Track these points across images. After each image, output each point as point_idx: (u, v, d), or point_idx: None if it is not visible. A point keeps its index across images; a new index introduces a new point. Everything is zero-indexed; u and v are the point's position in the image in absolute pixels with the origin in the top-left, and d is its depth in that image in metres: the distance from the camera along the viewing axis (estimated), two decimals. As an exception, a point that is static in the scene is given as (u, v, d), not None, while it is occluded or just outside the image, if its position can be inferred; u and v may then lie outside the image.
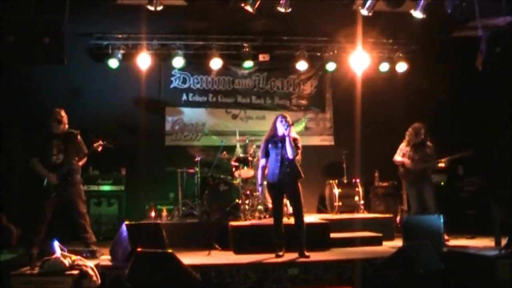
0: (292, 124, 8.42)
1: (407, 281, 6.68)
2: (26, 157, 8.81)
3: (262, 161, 8.57)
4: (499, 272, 6.90)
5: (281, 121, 8.29)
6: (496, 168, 10.75)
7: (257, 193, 10.12)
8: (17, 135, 10.51)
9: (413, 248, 7.16)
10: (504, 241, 7.98)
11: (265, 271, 7.59)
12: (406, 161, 9.73)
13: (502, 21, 7.97)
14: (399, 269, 6.79)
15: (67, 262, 6.70)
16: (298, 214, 8.35)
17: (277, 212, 8.47)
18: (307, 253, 8.09)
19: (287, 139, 8.14)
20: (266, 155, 8.47)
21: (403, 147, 9.90)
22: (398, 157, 9.89)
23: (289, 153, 8.15)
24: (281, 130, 8.28)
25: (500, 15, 7.97)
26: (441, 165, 9.63)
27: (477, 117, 11.82)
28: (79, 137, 8.63)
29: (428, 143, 9.75)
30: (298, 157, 8.51)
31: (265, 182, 8.69)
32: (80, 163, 8.67)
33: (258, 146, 10.30)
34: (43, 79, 10.84)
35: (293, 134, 8.39)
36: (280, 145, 8.28)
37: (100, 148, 8.64)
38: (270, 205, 9.73)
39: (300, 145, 8.42)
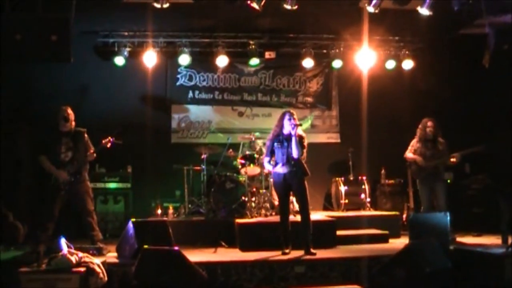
0: (300, 124, 8.41)
1: (414, 279, 6.68)
2: (33, 154, 8.86)
3: (266, 159, 8.63)
4: (507, 270, 6.88)
5: (289, 119, 8.28)
6: (504, 166, 10.72)
7: (263, 191, 10.17)
8: (24, 132, 10.52)
9: (420, 246, 7.16)
10: (511, 239, 7.97)
11: (271, 268, 7.60)
12: (418, 158, 9.66)
13: (509, 18, 7.94)
14: (406, 267, 6.79)
15: (74, 259, 6.71)
16: (304, 211, 8.37)
17: (283, 209, 8.49)
18: (313, 251, 8.12)
19: (293, 138, 8.16)
20: (271, 153, 8.50)
21: (414, 144, 9.83)
22: (409, 154, 9.82)
23: (295, 153, 8.16)
24: (287, 128, 8.29)
25: (507, 12, 7.95)
26: (453, 160, 9.55)
27: (484, 114, 11.77)
28: (86, 135, 8.69)
29: (440, 139, 9.70)
30: (304, 155, 8.52)
31: (271, 180, 8.69)
32: (94, 155, 8.70)
33: (264, 144, 10.32)
34: (50, 77, 10.87)
35: (299, 131, 8.39)
36: (286, 144, 8.29)
37: (109, 144, 8.67)
38: (276, 203, 9.79)
39: (306, 143, 8.44)
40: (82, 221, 8.56)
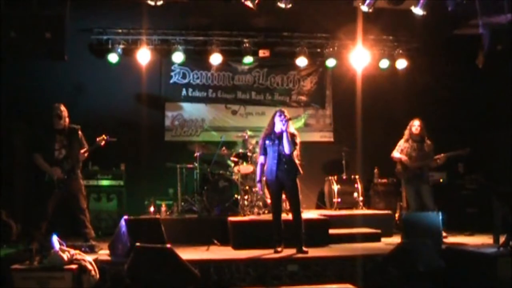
0: (290, 119, 8.42)
1: (407, 278, 6.70)
2: (28, 152, 8.84)
3: (261, 158, 8.63)
4: (499, 269, 6.92)
5: (279, 116, 8.32)
6: (497, 166, 10.77)
7: (256, 189, 10.14)
8: (19, 130, 10.49)
9: (414, 245, 7.19)
10: (502, 239, 8.00)
11: (265, 267, 7.60)
12: (404, 158, 9.74)
13: (503, 19, 7.96)
14: (400, 266, 6.81)
15: (65, 256, 6.72)
16: (296, 210, 8.41)
17: (276, 208, 8.50)
18: (305, 249, 8.14)
19: (284, 134, 8.17)
20: (265, 152, 8.51)
21: (401, 144, 9.92)
22: (396, 154, 9.90)
23: (286, 149, 8.17)
24: (278, 126, 8.32)
25: (501, 13, 7.97)
26: (439, 162, 9.66)
27: (478, 114, 11.81)
28: (80, 132, 8.66)
29: (427, 141, 9.77)
30: (297, 153, 8.54)
31: (263, 178, 8.71)
32: (86, 155, 8.68)
33: (257, 142, 10.34)
34: (44, 74, 10.83)
35: (291, 129, 8.41)
36: (277, 142, 8.31)
37: (103, 143, 8.67)
38: (269, 201, 9.79)
39: (298, 141, 8.47)
40: (75, 218, 8.55)
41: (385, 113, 11.99)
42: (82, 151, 8.61)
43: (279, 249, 8.22)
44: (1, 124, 9.99)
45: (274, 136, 8.38)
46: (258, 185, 8.91)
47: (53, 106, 8.55)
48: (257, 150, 9.86)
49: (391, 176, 11.42)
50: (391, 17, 10.13)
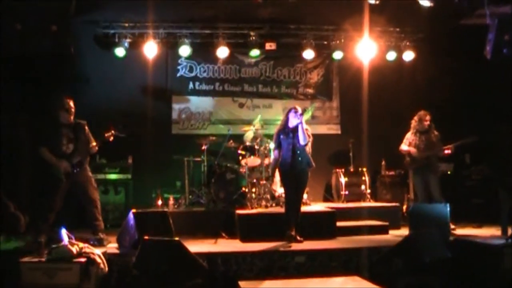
0: (305, 110, 8.59)
1: (413, 269, 6.71)
2: (34, 144, 8.82)
3: (275, 153, 8.82)
4: (505, 261, 6.91)
5: (294, 113, 8.53)
6: (504, 157, 10.71)
7: (264, 182, 10.16)
8: (24, 123, 10.51)
9: (420, 237, 7.19)
10: (510, 230, 7.98)
11: (271, 259, 7.63)
12: (412, 149, 9.71)
13: (510, 8, 7.93)
14: (406, 257, 6.82)
15: (74, 249, 6.74)
16: (299, 200, 8.62)
17: (290, 198, 8.58)
18: (299, 238, 8.33)
19: (300, 126, 8.40)
20: (279, 146, 8.68)
21: (409, 136, 9.89)
22: (404, 146, 9.86)
23: (301, 140, 8.41)
24: (293, 121, 8.52)
25: (508, 2, 7.94)
26: (447, 152, 9.61)
27: (485, 105, 11.75)
28: (86, 127, 8.64)
29: (434, 131, 9.74)
30: (309, 149, 8.64)
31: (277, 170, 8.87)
32: (96, 149, 8.66)
33: (265, 135, 10.41)
34: (50, 67, 10.83)
35: (305, 125, 8.60)
36: (291, 135, 8.54)
37: (111, 138, 8.65)
38: (277, 194, 9.89)
39: (310, 133, 8.68)
40: (86, 210, 8.52)
41: (392, 104, 11.96)
42: (92, 145, 8.57)
43: (292, 233, 8.31)
44: (7, 116, 10.01)
45: (288, 130, 8.60)
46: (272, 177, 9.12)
47: (62, 98, 8.49)
48: (265, 143, 10.26)
49: (398, 168, 11.41)
50: (397, 8, 10.06)
